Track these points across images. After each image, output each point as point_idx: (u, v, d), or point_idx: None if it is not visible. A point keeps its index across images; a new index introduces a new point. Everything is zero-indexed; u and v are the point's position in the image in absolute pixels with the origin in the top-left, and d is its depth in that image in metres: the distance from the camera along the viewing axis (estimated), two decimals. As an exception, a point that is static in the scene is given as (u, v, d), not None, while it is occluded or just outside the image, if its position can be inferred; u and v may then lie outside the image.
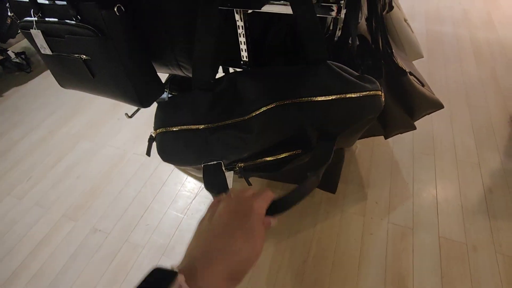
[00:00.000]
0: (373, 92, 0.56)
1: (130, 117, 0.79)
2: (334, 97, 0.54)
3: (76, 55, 0.61)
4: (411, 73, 0.90)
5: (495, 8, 2.00)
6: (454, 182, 1.10)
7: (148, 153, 0.65)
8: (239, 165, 0.60)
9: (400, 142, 1.25)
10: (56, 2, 0.58)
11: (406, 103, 0.89)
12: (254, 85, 0.59)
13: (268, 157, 0.60)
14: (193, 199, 1.14)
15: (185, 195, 1.16)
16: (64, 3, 0.56)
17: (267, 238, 1.01)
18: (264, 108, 0.57)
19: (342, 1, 0.71)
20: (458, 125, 1.29)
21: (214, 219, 0.30)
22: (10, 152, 1.42)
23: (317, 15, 0.74)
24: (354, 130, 0.60)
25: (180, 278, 0.23)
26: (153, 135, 0.63)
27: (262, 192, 0.32)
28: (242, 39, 0.89)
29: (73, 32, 0.57)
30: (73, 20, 0.57)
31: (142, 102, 0.66)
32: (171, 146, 0.60)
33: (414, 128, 0.95)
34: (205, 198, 1.14)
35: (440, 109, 0.96)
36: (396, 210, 1.05)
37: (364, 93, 0.55)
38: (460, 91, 1.44)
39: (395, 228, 1.00)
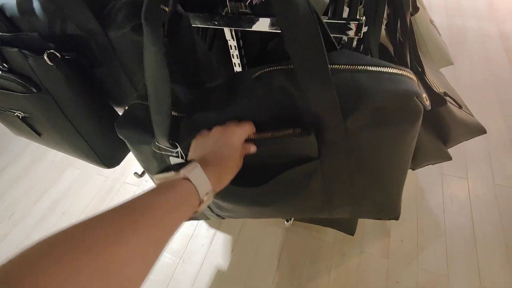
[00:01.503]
0: (399, 70, 0.33)
1: (141, 176, 0.65)
2: (342, 66, 0.33)
3: (12, 111, 0.46)
4: (446, 94, 0.73)
5: (526, -5, 1.77)
6: (494, 214, 0.94)
7: None
8: None
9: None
10: (-21, 44, 0.43)
11: (442, 133, 0.72)
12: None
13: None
14: (189, 239, 1.00)
15: (180, 235, 1.02)
16: (-15, 47, 0.41)
17: (275, 290, 0.86)
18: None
19: (363, 18, 0.55)
20: (493, 140, 1.11)
21: (206, 137, 0.37)
22: (-8, 184, 1.30)
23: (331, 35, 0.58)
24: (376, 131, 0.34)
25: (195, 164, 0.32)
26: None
27: (245, 123, 0.37)
28: (236, 60, 0.74)
29: (0, 85, 0.42)
30: (-1, 69, 0.42)
31: (106, 162, 0.52)
32: (136, 115, 0.43)
33: (449, 158, 0.78)
34: (203, 238, 1.00)
35: (482, 134, 0.79)
36: (426, 251, 0.89)
37: (383, 68, 0.32)
38: (491, 98, 1.25)
39: (426, 275, 0.85)
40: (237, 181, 0.38)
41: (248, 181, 0.40)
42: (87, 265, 0.19)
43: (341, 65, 0.32)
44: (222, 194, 0.41)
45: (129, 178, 1.23)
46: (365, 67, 0.32)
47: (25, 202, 1.20)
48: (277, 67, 0.40)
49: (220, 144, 0.35)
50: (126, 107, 0.44)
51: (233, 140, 0.35)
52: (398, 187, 0.43)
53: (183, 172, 0.30)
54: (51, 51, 0.37)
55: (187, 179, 0.30)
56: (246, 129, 0.37)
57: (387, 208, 0.46)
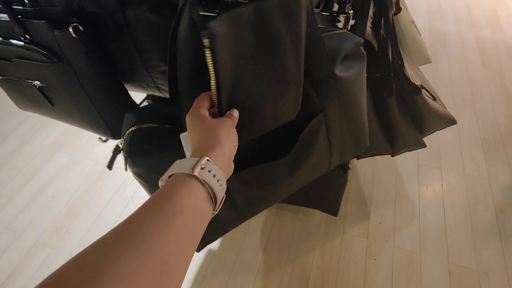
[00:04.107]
0: (342, 30, 0.48)
1: (105, 141, 0.68)
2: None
3: (29, 81, 0.49)
4: (422, 87, 0.81)
5: (501, 4, 1.91)
6: (463, 200, 1.03)
7: (110, 166, 0.51)
8: None
9: (405, 154, 1.16)
10: (0, 16, 0.46)
11: (417, 121, 0.80)
12: None
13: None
14: (182, 221, 1.04)
15: (172, 216, 1.06)
16: (8, 18, 0.44)
17: (264, 266, 0.92)
18: None
19: (351, 12, 0.61)
20: (465, 134, 1.21)
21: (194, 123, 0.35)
22: (-22, 167, 1.29)
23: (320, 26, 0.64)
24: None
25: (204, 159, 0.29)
26: (120, 144, 0.47)
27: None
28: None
29: (21, 55, 0.46)
30: (20, 41, 0.45)
31: (114, 134, 0.55)
32: (143, 138, 0.45)
33: (424, 146, 0.87)
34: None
35: (453, 125, 0.87)
36: (401, 232, 0.97)
37: (334, 31, 0.47)
38: (466, 97, 1.36)
39: (401, 252, 0.93)
40: (261, 159, 0.43)
41: (269, 156, 0.43)
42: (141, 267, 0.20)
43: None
44: (258, 180, 0.44)
45: (120, 163, 1.25)
46: (327, 32, 0.45)
47: (13, 185, 1.20)
48: None
49: (211, 126, 0.33)
50: (120, 143, 0.45)
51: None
52: (365, 120, 0.54)
53: (197, 171, 0.27)
54: (75, 24, 0.41)
55: (197, 177, 0.27)
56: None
57: (361, 141, 0.56)
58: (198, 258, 0.96)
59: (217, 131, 0.33)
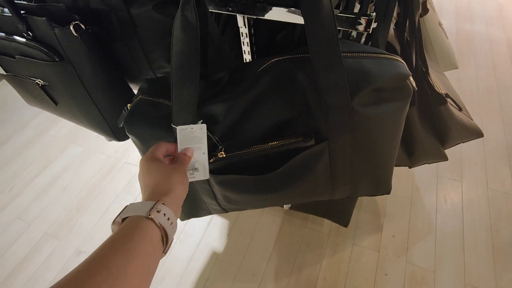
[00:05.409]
0: (393, 56, 0.39)
1: (110, 140, 0.67)
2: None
3: (32, 79, 0.48)
4: (447, 95, 0.75)
5: (535, 5, 1.78)
6: (485, 216, 0.97)
7: (120, 122, 0.50)
8: (219, 154, 0.43)
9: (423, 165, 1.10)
10: (4, 12, 0.45)
11: (440, 132, 0.74)
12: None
13: (256, 145, 0.41)
14: (187, 221, 1.03)
15: (179, 216, 1.05)
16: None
17: (269, 274, 0.90)
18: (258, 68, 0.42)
19: (373, 14, 0.56)
20: (490, 146, 1.14)
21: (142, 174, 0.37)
22: (-5, 155, 1.32)
23: (339, 28, 0.60)
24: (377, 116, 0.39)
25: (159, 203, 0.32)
26: (127, 108, 0.46)
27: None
28: (246, 47, 0.75)
29: (24, 52, 0.44)
30: (23, 37, 0.44)
31: (117, 135, 0.54)
32: (145, 111, 0.44)
33: (446, 159, 0.81)
34: (200, 220, 1.03)
35: (479, 137, 0.81)
36: (415, 247, 0.92)
37: (381, 55, 0.38)
38: (493, 104, 1.27)
39: (414, 269, 0.88)
40: (246, 171, 0.40)
41: (256, 170, 0.41)
42: None
43: (345, 52, 0.35)
44: (233, 187, 0.43)
45: (130, 158, 1.25)
46: (366, 53, 0.36)
47: (26, 176, 1.22)
48: (287, 56, 0.42)
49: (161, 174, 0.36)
50: (129, 105, 0.45)
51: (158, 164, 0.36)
52: (391, 162, 0.47)
53: (153, 214, 0.30)
54: (76, 22, 0.39)
55: (153, 219, 0.30)
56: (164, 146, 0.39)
57: (381, 183, 0.49)
58: (202, 260, 0.94)
59: (172, 177, 0.36)
